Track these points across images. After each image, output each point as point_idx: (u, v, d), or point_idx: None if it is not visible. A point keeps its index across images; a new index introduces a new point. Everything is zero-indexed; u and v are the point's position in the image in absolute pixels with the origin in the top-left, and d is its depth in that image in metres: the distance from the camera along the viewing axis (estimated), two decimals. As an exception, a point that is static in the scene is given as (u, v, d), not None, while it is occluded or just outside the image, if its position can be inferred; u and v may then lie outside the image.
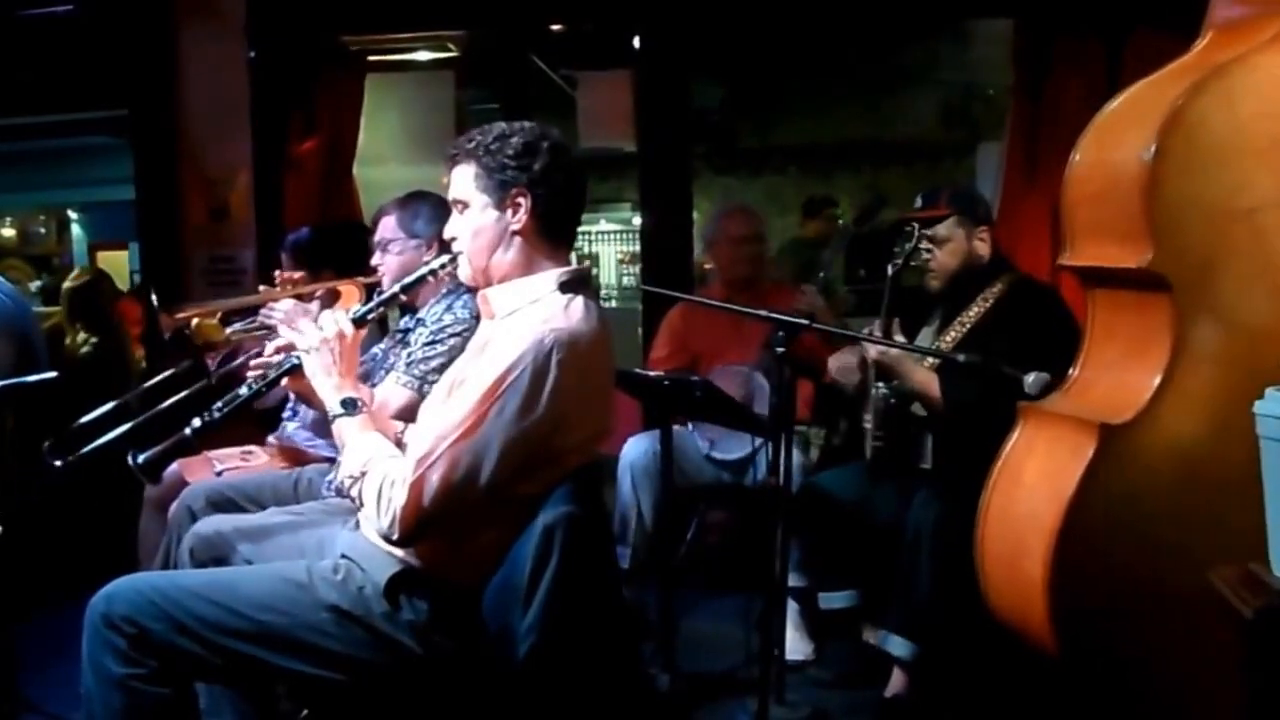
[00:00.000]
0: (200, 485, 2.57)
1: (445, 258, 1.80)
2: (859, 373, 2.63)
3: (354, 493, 1.65)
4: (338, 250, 2.85)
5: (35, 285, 5.00)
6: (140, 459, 1.75)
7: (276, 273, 2.82)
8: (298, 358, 1.77)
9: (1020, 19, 3.67)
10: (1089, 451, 1.70)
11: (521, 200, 1.69)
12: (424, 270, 1.85)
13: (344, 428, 1.70)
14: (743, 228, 3.30)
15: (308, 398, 1.88)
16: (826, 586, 2.70)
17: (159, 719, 1.60)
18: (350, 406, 1.71)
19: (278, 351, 1.96)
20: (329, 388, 1.72)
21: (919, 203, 2.65)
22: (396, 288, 1.89)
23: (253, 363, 2.21)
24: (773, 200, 8.10)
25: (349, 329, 1.75)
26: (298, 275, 2.83)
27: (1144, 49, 3.20)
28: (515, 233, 1.70)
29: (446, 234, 1.77)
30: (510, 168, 1.67)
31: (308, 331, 1.75)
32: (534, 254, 1.72)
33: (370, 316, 1.84)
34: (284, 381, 1.83)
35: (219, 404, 1.78)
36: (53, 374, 1.93)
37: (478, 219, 1.71)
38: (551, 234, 1.73)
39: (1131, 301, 1.80)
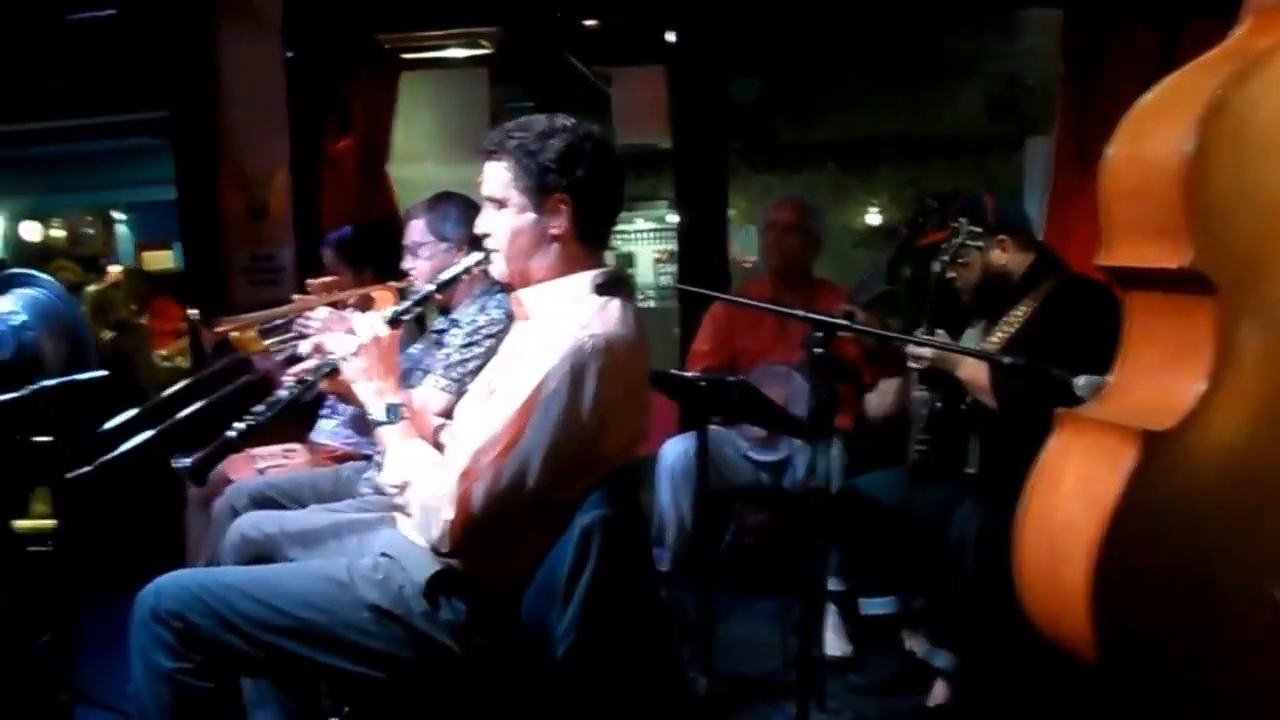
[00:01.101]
0: (244, 484, 2.61)
1: (478, 255, 1.79)
2: (896, 405, 2.59)
3: (399, 501, 1.66)
4: (379, 249, 2.86)
5: (93, 289, 5.09)
6: (187, 463, 1.76)
7: (309, 282, 2.84)
8: (335, 359, 1.77)
9: (1070, 8, 3.58)
10: (1130, 459, 1.64)
11: (562, 206, 1.67)
12: (457, 269, 1.85)
13: (387, 435, 1.70)
14: (787, 216, 3.27)
15: (346, 396, 1.89)
16: (867, 592, 2.67)
17: (205, 712, 1.63)
18: (393, 413, 1.70)
19: (314, 352, 1.97)
20: (370, 394, 1.72)
21: (924, 223, 2.61)
22: (431, 286, 1.89)
23: (291, 369, 2.23)
24: (811, 198, 8.02)
25: (384, 331, 1.74)
26: (331, 280, 2.86)
27: (1200, 39, 3.11)
28: (555, 237, 1.69)
29: (479, 229, 1.75)
30: (551, 171, 1.65)
31: (345, 340, 1.75)
32: (571, 256, 1.70)
33: (405, 316, 1.84)
34: (323, 384, 1.84)
35: (261, 407, 1.79)
36: (103, 373, 1.96)
37: (515, 220, 1.69)
38: (589, 237, 1.72)
39: (1172, 303, 1.73)
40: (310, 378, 1.83)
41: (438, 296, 1.93)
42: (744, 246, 6.76)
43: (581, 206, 1.67)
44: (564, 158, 1.65)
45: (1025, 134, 5.54)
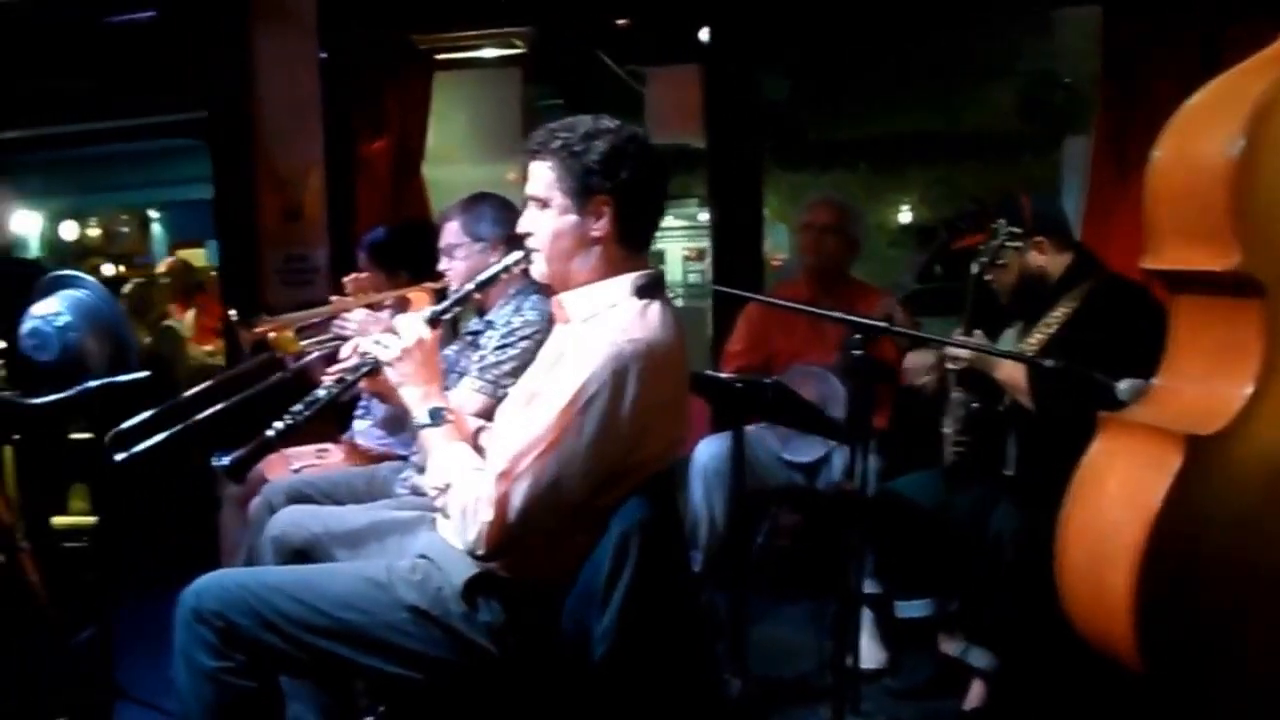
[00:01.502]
0: (280, 483, 2.62)
1: (518, 254, 1.78)
2: (933, 372, 2.57)
3: (439, 503, 1.67)
4: (413, 251, 2.87)
5: (132, 285, 5.19)
6: (226, 460, 1.77)
7: (346, 280, 2.86)
8: (374, 360, 1.78)
9: (1109, 7, 3.53)
10: (1175, 463, 1.63)
11: (605, 208, 1.66)
12: (498, 268, 1.85)
13: (429, 438, 1.70)
14: (825, 217, 3.24)
15: (384, 396, 1.88)
16: (902, 594, 2.65)
17: (247, 711, 1.64)
18: (436, 417, 1.70)
19: (355, 354, 1.98)
20: (415, 398, 1.72)
21: (963, 225, 2.58)
22: (471, 286, 1.88)
23: (331, 368, 2.24)
24: (845, 197, 7.96)
25: (426, 333, 1.75)
26: (366, 278, 2.87)
27: (1242, 39, 3.05)
28: (596, 239, 1.68)
29: (521, 228, 1.75)
30: (595, 173, 1.64)
31: (389, 343, 1.75)
32: (612, 259, 1.70)
33: (445, 316, 1.84)
34: (363, 384, 1.84)
35: (299, 406, 1.80)
36: (145, 373, 1.98)
37: (557, 222, 1.69)
38: (631, 240, 1.71)
39: (1219, 306, 1.72)
40: (350, 377, 1.83)
41: (476, 296, 1.92)
42: (775, 245, 6.73)
43: (624, 209, 1.67)
44: (608, 160, 1.64)
45: (1059, 133, 5.46)
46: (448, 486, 1.63)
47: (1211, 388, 1.69)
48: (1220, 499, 1.63)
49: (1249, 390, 1.63)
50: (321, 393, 1.82)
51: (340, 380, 1.85)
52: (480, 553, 1.59)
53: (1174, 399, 1.76)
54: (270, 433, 1.76)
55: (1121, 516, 1.68)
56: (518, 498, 1.55)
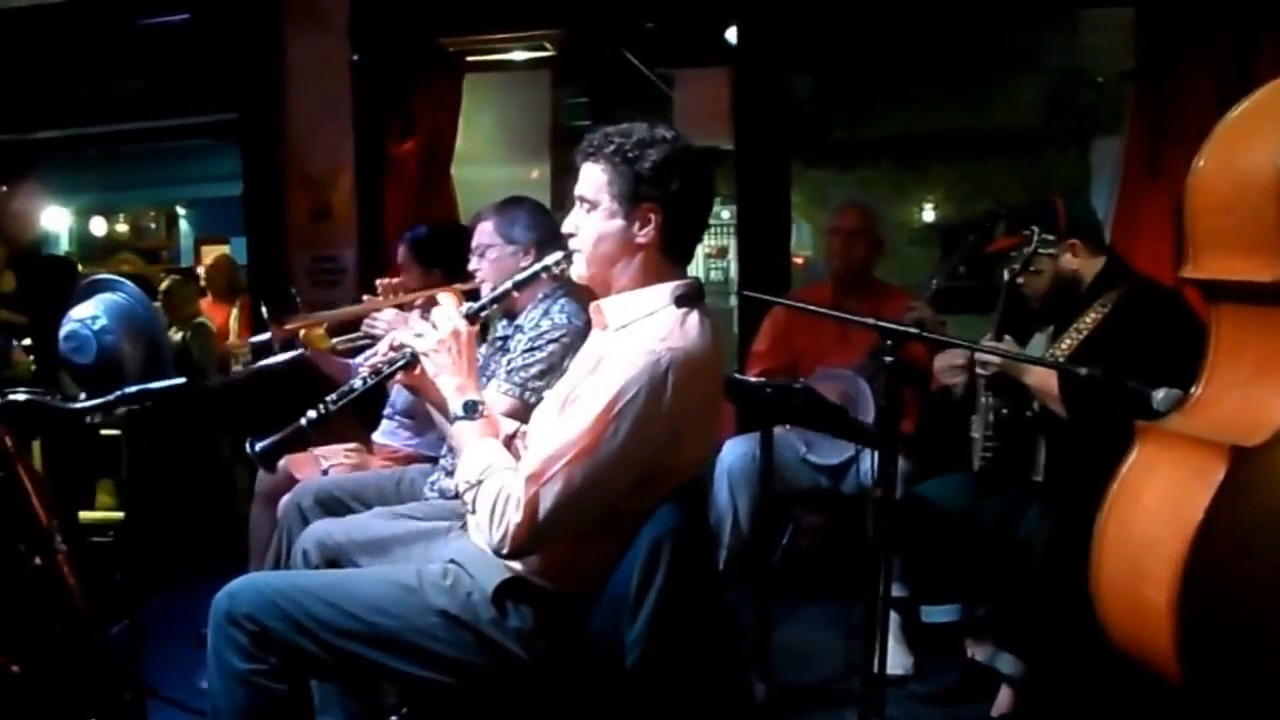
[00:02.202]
0: (309, 484, 2.65)
1: (558, 254, 1.78)
2: (964, 373, 2.56)
3: (468, 498, 1.66)
4: (452, 250, 2.87)
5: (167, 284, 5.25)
6: (258, 447, 1.79)
7: (378, 282, 2.88)
8: (411, 354, 1.78)
9: (1142, 9, 3.49)
10: (1218, 474, 1.60)
11: (652, 216, 1.66)
12: (538, 267, 1.83)
13: (464, 431, 1.71)
14: (850, 222, 3.26)
15: (421, 391, 1.88)
16: (929, 599, 2.64)
17: (278, 713, 1.65)
18: (471, 410, 1.71)
19: (391, 349, 1.96)
20: (451, 389, 1.72)
21: (1000, 229, 2.56)
22: (510, 284, 1.87)
23: (367, 361, 2.25)
24: (866, 195, 7.93)
25: (464, 325, 1.74)
26: (398, 280, 2.89)
27: (1277, 42, 3.02)
28: (640, 246, 1.68)
29: (566, 228, 1.75)
30: (646, 181, 1.64)
31: (426, 334, 1.75)
32: (653, 267, 1.70)
33: (484, 314, 1.84)
34: (398, 376, 1.84)
35: (333, 396, 1.80)
36: (180, 380, 2.00)
37: (603, 225, 1.68)
38: (674, 250, 1.71)
39: (1261, 317, 1.69)
40: (386, 369, 1.83)
41: (516, 294, 1.90)
42: (799, 243, 6.71)
43: (670, 219, 1.67)
44: (660, 169, 1.64)
45: (1084, 131, 5.41)
46: (479, 483, 1.63)
47: (1254, 398, 1.67)
48: (1264, 511, 1.61)
49: None
50: (357, 383, 1.82)
51: (376, 371, 1.84)
52: (505, 552, 1.59)
53: (1215, 409, 1.74)
54: (303, 421, 1.77)
55: (1162, 529, 1.67)
56: (548, 500, 1.55)
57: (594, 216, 1.69)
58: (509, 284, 1.87)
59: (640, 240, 1.68)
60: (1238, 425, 1.65)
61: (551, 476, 1.55)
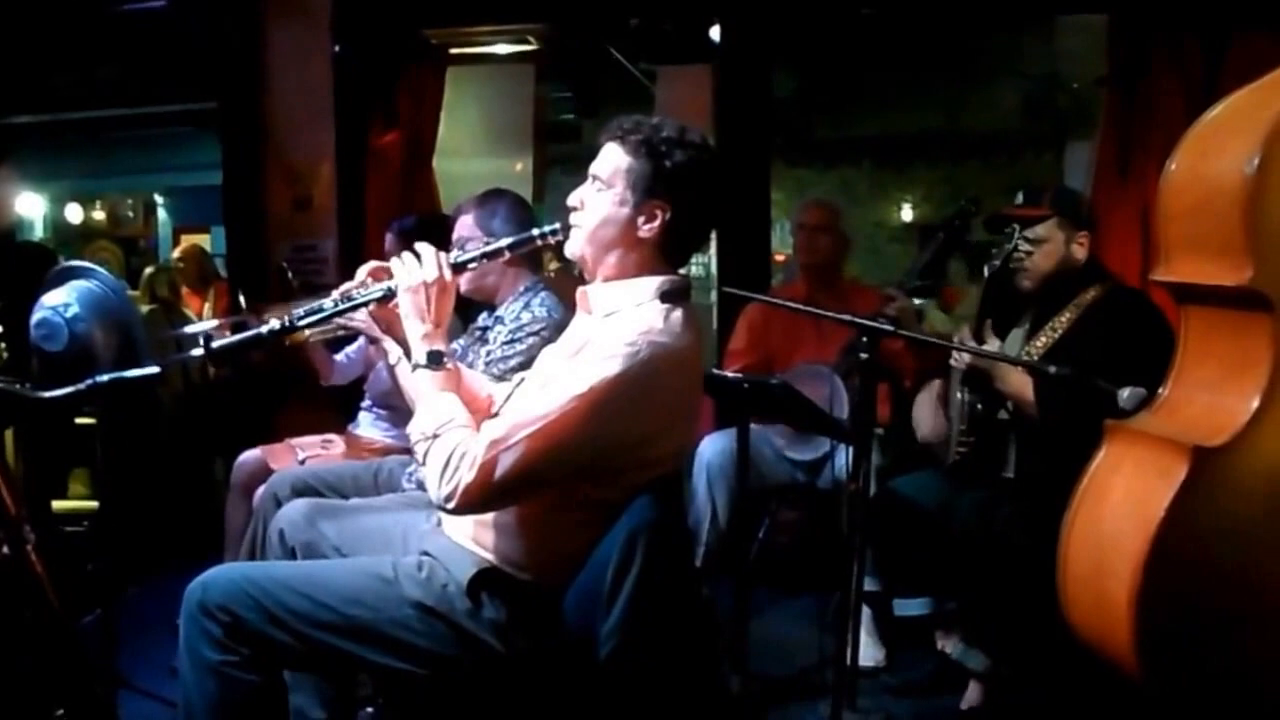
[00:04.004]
0: (285, 474, 2.64)
1: (555, 225, 1.76)
2: (939, 416, 2.59)
3: (419, 450, 1.63)
4: (439, 240, 2.87)
5: (151, 271, 5.21)
6: (213, 345, 1.71)
7: (359, 272, 2.86)
8: (387, 288, 1.74)
9: (1116, 15, 3.54)
10: (1180, 474, 1.63)
11: (659, 214, 1.66)
12: (535, 233, 1.80)
13: (423, 380, 1.68)
14: (815, 218, 3.37)
15: (389, 330, 1.83)
16: (901, 593, 2.67)
17: (251, 704, 1.64)
18: (434, 360, 1.68)
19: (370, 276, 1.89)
20: (417, 334, 1.69)
21: (1020, 199, 2.58)
22: (504, 243, 1.81)
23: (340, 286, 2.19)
24: (846, 193, 7.99)
25: (448, 273, 1.71)
26: (384, 266, 2.87)
27: (1247, 49, 3.07)
28: (640, 240, 1.68)
29: (571, 200, 1.72)
30: (665, 178, 1.64)
31: (409, 267, 1.71)
32: (647, 262, 1.70)
33: (470, 266, 1.80)
34: (370, 307, 1.79)
35: (299, 312, 1.76)
36: (154, 369, 1.99)
37: (610, 209, 1.67)
38: (671, 252, 1.71)
39: (1229, 320, 1.72)
40: (359, 296, 1.78)
41: (507, 254, 1.84)
42: (781, 241, 6.74)
43: (676, 222, 1.67)
44: (682, 171, 1.64)
45: (1061, 135, 5.48)
46: (435, 437, 1.60)
47: (1220, 400, 1.70)
48: (1224, 511, 1.64)
49: (1255, 404, 1.64)
50: (327, 303, 1.78)
51: (348, 296, 1.79)
52: (450, 508, 1.57)
53: (1182, 410, 1.77)
54: (264, 330, 1.73)
55: (1124, 525, 1.70)
56: (504, 465, 1.53)
57: (603, 197, 1.68)
58: (503, 243, 1.82)
59: (642, 234, 1.67)
60: (1202, 426, 1.68)
61: (514, 444, 1.54)
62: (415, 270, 1.71)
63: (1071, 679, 2.11)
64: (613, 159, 1.68)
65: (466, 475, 1.54)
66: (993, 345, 2.49)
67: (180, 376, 4.11)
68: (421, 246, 1.74)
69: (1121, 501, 1.75)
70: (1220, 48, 3.23)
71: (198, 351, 1.74)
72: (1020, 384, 2.41)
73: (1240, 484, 1.64)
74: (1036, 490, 2.30)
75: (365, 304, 1.78)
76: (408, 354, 1.74)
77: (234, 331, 2.72)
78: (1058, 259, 2.49)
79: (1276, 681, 1.65)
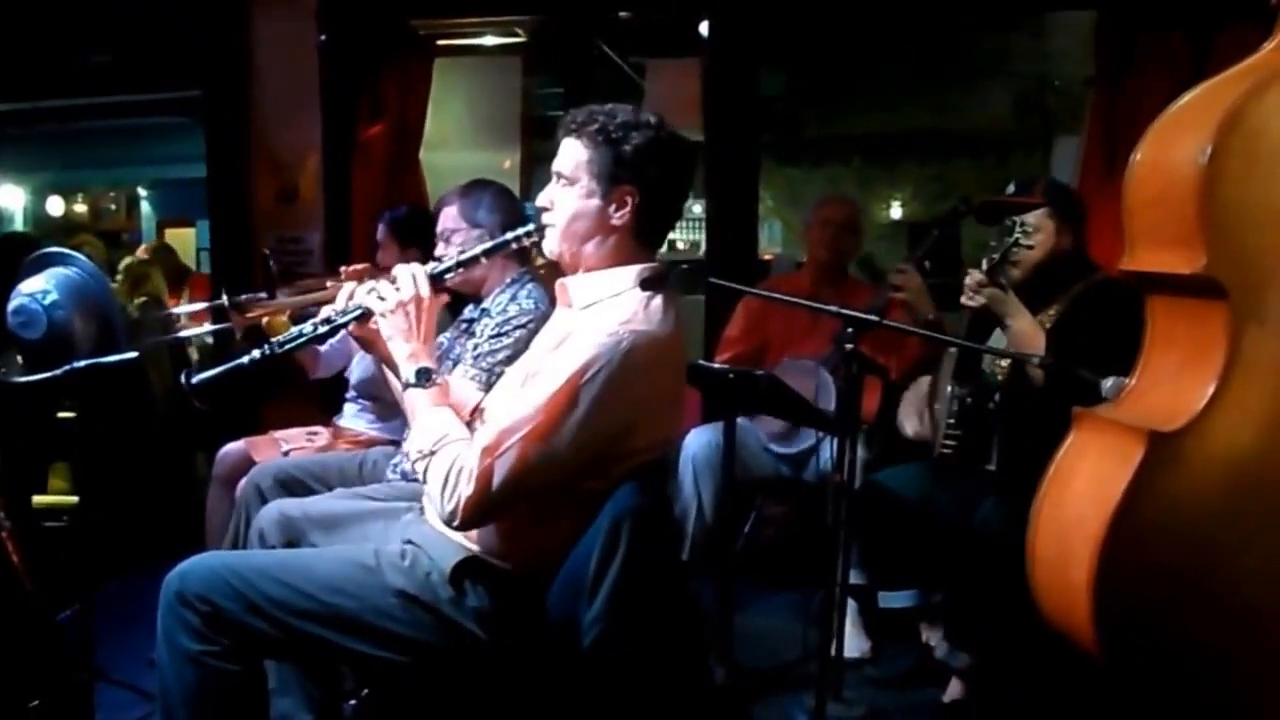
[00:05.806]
0: (268, 465, 2.62)
1: (530, 226, 1.76)
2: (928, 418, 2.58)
3: (419, 468, 1.64)
4: (430, 230, 2.87)
5: (130, 260, 5.14)
6: (193, 380, 1.71)
7: (343, 269, 2.85)
8: (363, 308, 1.74)
9: (1102, 11, 3.56)
10: (1137, 458, 1.66)
11: (629, 199, 1.66)
12: (509, 236, 1.80)
13: (416, 399, 1.68)
14: (838, 215, 3.34)
15: (372, 346, 1.83)
16: (886, 585, 2.68)
17: (230, 694, 1.62)
18: (424, 378, 1.68)
19: (348, 278, 1.89)
20: (403, 355, 1.70)
21: (1012, 189, 2.58)
22: (479, 249, 1.83)
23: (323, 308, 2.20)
24: (835, 191, 8.00)
25: (426, 290, 1.71)
26: (364, 267, 2.86)
27: (1232, 44, 3.09)
28: (614, 228, 1.68)
29: (540, 202, 1.73)
30: (626, 163, 1.64)
31: (387, 295, 1.71)
32: (624, 250, 1.70)
33: (447, 276, 1.80)
34: (350, 328, 1.79)
35: (280, 338, 1.76)
36: (133, 354, 1.96)
37: (579, 203, 1.68)
38: (646, 235, 1.71)
39: (1189, 308, 1.75)
40: (338, 319, 1.78)
41: (484, 260, 1.85)
42: (770, 240, 6.76)
43: (646, 204, 1.67)
44: (642, 153, 1.64)
45: (1051, 133, 5.51)
46: (432, 454, 1.61)
47: (1180, 387, 1.73)
48: (1179, 495, 1.66)
49: (1211, 389, 1.66)
50: (306, 328, 1.77)
51: (327, 320, 1.79)
52: (456, 523, 1.59)
53: (1146, 398, 1.80)
54: (245, 360, 1.72)
55: (1086, 510, 1.72)
56: (500, 474, 1.54)
57: (570, 193, 1.68)
58: (477, 250, 1.83)
59: (615, 222, 1.68)
60: (1161, 412, 1.71)
61: (506, 450, 1.54)
62: (393, 294, 1.71)
63: (1053, 671, 2.12)
64: (573, 154, 1.68)
65: (465, 489, 1.55)
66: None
67: (170, 368, 4.06)
68: (399, 268, 1.74)
69: (1084, 487, 1.78)
70: (1206, 45, 3.26)
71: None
72: (1031, 330, 2.39)
73: (1195, 468, 1.66)
74: (1017, 482, 2.30)
75: (345, 325, 1.79)
76: (395, 371, 1.74)
77: (214, 319, 2.71)
78: (1048, 249, 2.50)
79: (1231, 660, 1.68)
